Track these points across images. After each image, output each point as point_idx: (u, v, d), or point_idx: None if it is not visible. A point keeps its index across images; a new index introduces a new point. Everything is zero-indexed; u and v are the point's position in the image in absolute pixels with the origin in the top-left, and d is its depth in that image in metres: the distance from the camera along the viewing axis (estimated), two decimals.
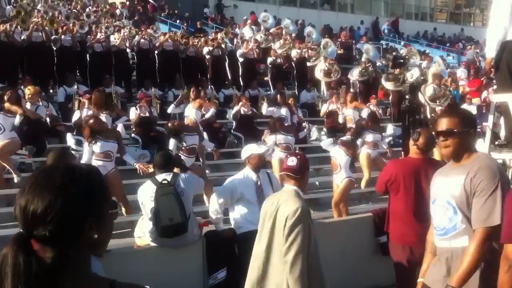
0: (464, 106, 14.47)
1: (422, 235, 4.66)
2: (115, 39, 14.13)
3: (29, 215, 1.38)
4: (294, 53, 15.99)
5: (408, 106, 6.06)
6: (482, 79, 17.51)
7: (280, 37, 17.80)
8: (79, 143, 9.17)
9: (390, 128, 13.44)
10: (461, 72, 19.48)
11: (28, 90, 9.66)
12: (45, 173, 1.45)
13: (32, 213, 1.37)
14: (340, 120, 12.39)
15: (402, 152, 5.88)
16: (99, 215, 1.46)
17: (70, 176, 1.43)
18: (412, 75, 9.90)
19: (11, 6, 18.75)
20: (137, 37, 14.39)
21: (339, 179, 8.63)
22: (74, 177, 1.43)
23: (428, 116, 12.16)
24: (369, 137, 10.14)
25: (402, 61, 7.75)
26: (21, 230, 1.41)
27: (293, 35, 18.74)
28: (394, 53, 16.74)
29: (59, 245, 1.40)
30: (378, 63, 18.89)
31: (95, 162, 7.08)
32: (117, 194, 7.40)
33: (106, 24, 16.24)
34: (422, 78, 12.71)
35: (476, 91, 16.66)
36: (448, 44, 33.34)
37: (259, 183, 5.56)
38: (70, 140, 9.66)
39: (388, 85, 14.08)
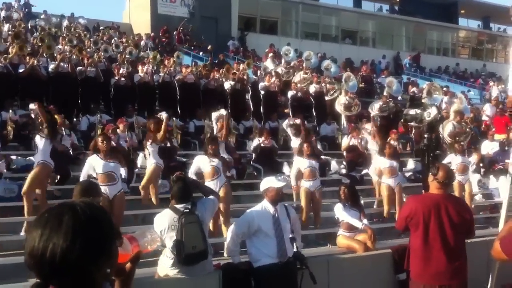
0: (486, 142, 14.34)
1: (442, 273, 4.58)
2: (140, 71, 14.36)
3: (47, 263, 1.37)
4: (312, 88, 16.09)
5: (426, 145, 6.02)
6: (507, 114, 17.30)
7: (300, 70, 17.91)
8: None
9: (411, 163, 13.34)
10: (487, 107, 19.18)
11: None
12: (54, 220, 1.42)
13: (50, 261, 1.37)
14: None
15: (423, 190, 5.81)
16: (110, 252, 1.48)
17: (80, 221, 1.42)
18: (430, 114, 9.97)
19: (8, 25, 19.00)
20: (161, 73, 14.63)
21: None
22: (84, 221, 1.42)
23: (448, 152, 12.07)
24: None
25: (418, 102, 7.72)
26: (37, 280, 1.40)
27: (311, 68, 18.74)
28: (412, 92, 16.70)
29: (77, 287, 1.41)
30: (400, 98, 18.82)
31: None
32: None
33: (126, 52, 16.56)
34: (439, 116, 12.65)
35: (502, 127, 16.41)
36: (472, 80, 33.21)
37: (276, 215, 5.54)
38: None
39: (412, 123, 14.06)
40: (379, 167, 10.49)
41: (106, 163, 7.48)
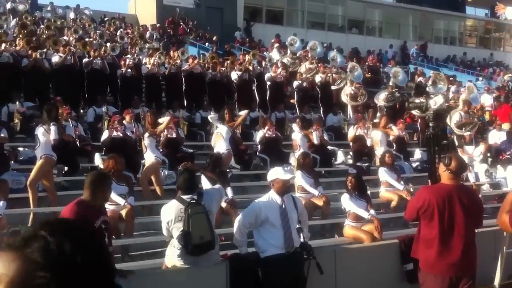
0: (493, 132, 14.28)
1: (456, 264, 4.55)
2: (146, 63, 14.34)
3: None
4: (318, 78, 16.02)
5: (432, 134, 5.95)
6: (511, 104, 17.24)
7: (306, 60, 17.83)
8: None
9: (417, 153, 13.31)
10: (485, 98, 19.03)
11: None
12: None
13: None
14: (368, 143, 12.20)
15: (428, 180, 5.74)
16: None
17: None
18: (436, 102, 9.96)
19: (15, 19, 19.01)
20: (166, 65, 14.62)
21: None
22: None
23: (456, 142, 12.02)
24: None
25: (424, 90, 7.64)
26: None
27: (317, 58, 18.65)
28: (417, 81, 16.56)
29: None
30: (404, 86, 18.68)
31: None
32: None
33: (136, 49, 16.59)
34: (446, 105, 12.57)
35: (505, 116, 16.36)
36: (478, 69, 32.97)
37: (283, 206, 5.54)
38: (98, 159, 9.81)
39: (414, 111, 13.96)
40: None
41: (117, 186, 7.46)
